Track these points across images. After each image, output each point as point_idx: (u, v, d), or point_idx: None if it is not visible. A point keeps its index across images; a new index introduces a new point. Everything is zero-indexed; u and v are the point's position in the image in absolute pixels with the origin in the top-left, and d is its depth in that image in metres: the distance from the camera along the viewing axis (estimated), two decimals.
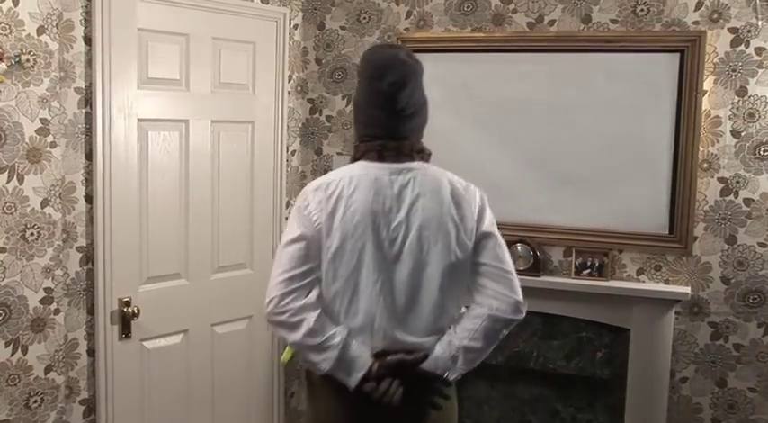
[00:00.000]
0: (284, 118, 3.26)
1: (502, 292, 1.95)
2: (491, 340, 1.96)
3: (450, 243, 1.94)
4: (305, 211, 1.93)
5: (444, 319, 1.98)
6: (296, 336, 1.89)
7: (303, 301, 1.90)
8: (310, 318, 1.89)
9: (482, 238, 1.98)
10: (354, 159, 2.01)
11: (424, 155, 2.01)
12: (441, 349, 1.94)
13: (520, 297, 1.96)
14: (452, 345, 1.94)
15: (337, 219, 1.90)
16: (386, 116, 1.95)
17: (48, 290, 2.52)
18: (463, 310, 2.03)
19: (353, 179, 1.93)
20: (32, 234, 2.47)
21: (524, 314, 1.97)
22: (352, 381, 1.89)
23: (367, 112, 1.99)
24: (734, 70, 2.83)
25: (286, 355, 2.13)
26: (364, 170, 1.95)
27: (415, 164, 1.97)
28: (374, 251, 1.91)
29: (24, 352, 2.49)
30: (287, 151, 3.31)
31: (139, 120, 2.75)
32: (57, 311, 2.56)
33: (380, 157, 1.95)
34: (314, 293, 1.94)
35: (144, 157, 2.78)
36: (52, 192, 2.51)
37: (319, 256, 1.92)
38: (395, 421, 1.95)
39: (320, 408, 2.03)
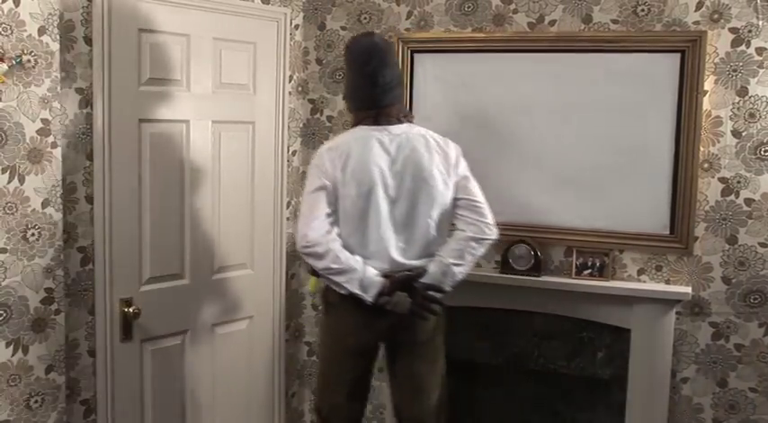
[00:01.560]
0: (285, 118, 3.26)
1: (476, 218, 2.50)
2: (472, 256, 2.49)
3: (437, 185, 2.47)
4: (322, 167, 2.46)
5: (435, 246, 2.51)
6: (325, 262, 2.41)
7: (329, 236, 2.42)
8: (335, 248, 2.41)
9: (460, 180, 2.53)
10: (354, 126, 2.54)
11: (409, 117, 2.58)
12: (434, 267, 2.47)
13: (490, 220, 2.51)
14: (442, 263, 2.47)
15: (348, 171, 2.42)
16: (373, 90, 2.48)
17: (48, 290, 2.52)
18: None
19: (358, 139, 2.47)
20: (33, 234, 2.47)
21: (495, 235, 2.52)
22: (370, 296, 2.41)
23: (359, 89, 2.52)
24: (735, 70, 2.83)
25: (312, 285, 2.71)
26: (365, 132, 2.48)
27: (404, 125, 2.52)
28: (379, 195, 2.43)
29: (25, 352, 2.49)
30: (288, 151, 3.31)
31: (140, 120, 2.75)
32: (57, 312, 2.56)
33: (376, 122, 2.49)
34: (335, 230, 2.45)
35: (145, 157, 2.78)
36: (53, 192, 2.51)
37: (336, 202, 2.45)
38: (398, 328, 2.52)
39: (339, 323, 2.56)
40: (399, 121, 2.51)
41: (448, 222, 2.55)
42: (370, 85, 2.48)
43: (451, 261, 2.47)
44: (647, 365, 2.96)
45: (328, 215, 2.44)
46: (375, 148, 2.44)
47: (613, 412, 3.08)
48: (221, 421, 3.16)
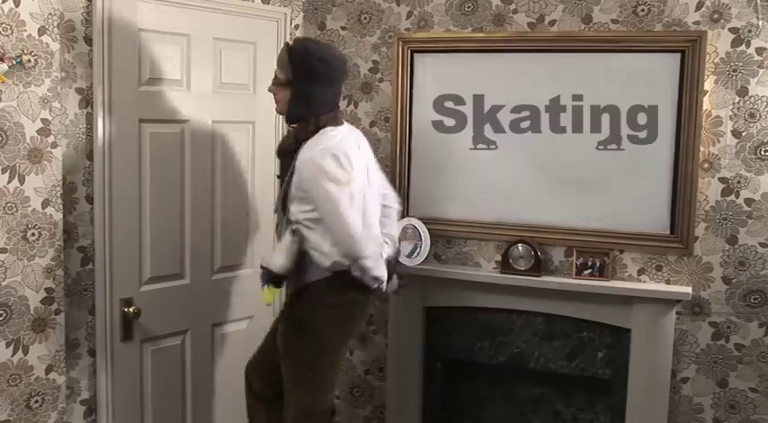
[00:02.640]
0: None
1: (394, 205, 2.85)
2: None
3: (380, 175, 2.77)
4: (338, 171, 2.43)
5: None
6: (382, 260, 2.55)
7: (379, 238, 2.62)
8: (382, 245, 2.61)
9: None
10: (319, 127, 2.52)
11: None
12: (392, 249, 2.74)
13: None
14: (395, 246, 2.78)
15: (357, 169, 2.51)
16: (335, 93, 2.60)
17: (49, 290, 2.52)
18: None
19: (347, 140, 2.54)
20: (33, 234, 2.47)
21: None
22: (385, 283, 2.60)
23: (327, 93, 2.55)
24: (735, 70, 2.83)
25: (268, 295, 2.60)
26: (339, 132, 2.55)
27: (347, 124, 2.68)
28: (370, 187, 2.62)
29: (25, 352, 2.49)
30: None
31: (140, 120, 2.75)
32: (57, 312, 2.56)
33: (339, 122, 2.59)
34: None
35: (145, 157, 2.78)
36: (53, 192, 2.51)
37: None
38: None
39: (348, 321, 2.65)
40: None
41: None
42: (339, 88, 2.62)
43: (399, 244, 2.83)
44: (647, 365, 2.96)
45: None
46: (354, 144, 2.58)
47: (614, 412, 3.08)
48: (221, 421, 3.16)
